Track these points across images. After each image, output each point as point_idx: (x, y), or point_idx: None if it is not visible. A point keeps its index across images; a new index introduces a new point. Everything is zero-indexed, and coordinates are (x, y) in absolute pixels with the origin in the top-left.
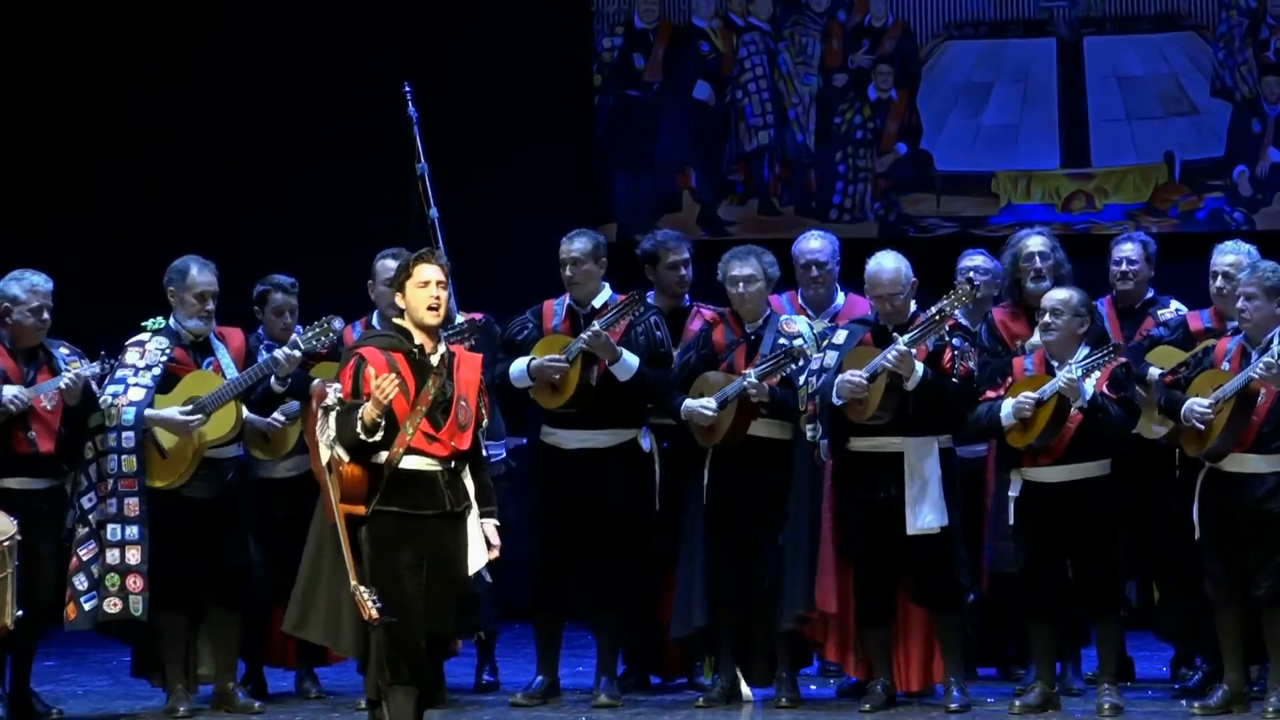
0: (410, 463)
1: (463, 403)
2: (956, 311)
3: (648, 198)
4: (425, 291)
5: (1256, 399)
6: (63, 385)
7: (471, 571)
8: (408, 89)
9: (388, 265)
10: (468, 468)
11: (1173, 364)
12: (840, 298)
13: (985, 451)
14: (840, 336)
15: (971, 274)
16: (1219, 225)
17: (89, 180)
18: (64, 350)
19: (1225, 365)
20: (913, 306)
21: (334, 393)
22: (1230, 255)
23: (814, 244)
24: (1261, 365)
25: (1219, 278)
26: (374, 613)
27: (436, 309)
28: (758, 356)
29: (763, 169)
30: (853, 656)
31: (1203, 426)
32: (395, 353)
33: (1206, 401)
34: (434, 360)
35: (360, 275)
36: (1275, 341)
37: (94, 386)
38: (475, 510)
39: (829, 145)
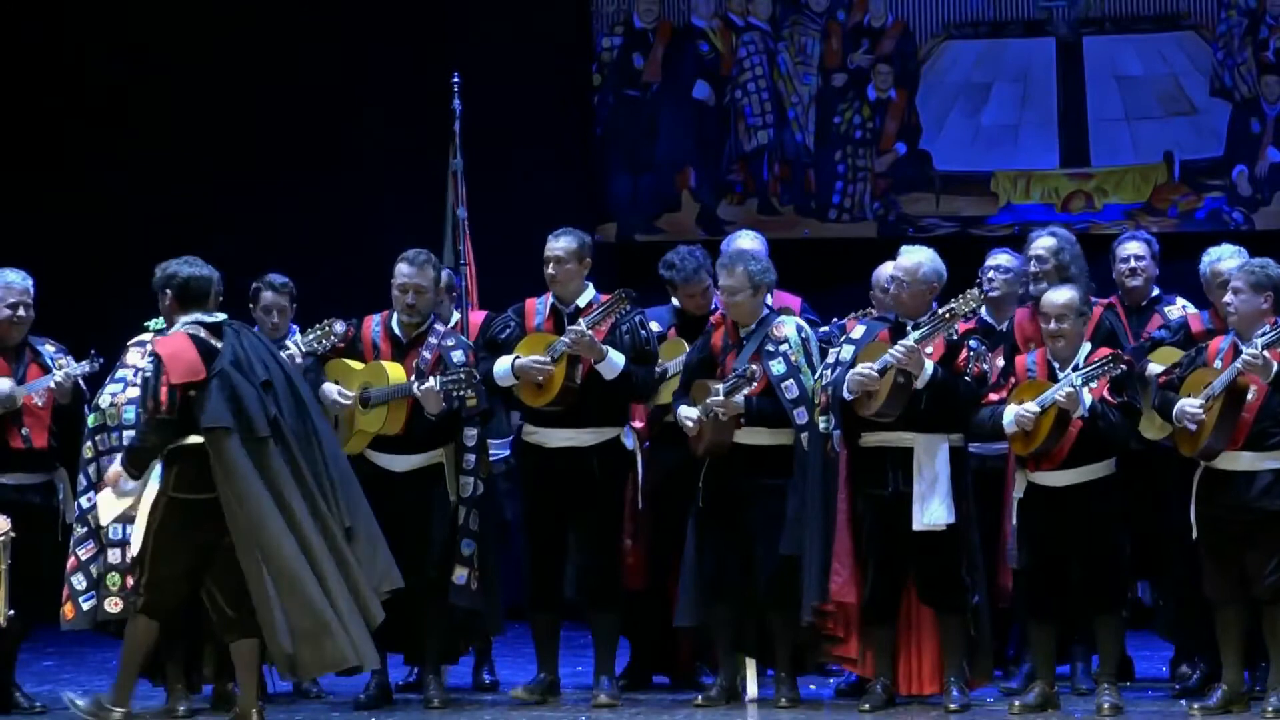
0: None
1: None
2: (981, 310)
3: (647, 197)
4: None
5: (1247, 395)
6: (53, 384)
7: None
8: (456, 79)
9: (399, 270)
10: None
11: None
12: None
13: (1007, 449)
14: (858, 331)
15: (992, 272)
16: (1218, 225)
17: (89, 180)
18: (50, 348)
19: (1218, 364)
20: (933, 307)
21: None
22: (1232, 260)
23: (749, 244)
24: (1247, 357)
25: (1227, 286)
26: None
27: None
28: (730, 371)
29: (762, 169)
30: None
31: (1194, 427)
32: None
33: (1197, 402)
34: None
35: (367, 276)
36: (1264, 335)
37: (82, 384)
38: None
39: (828, 145)
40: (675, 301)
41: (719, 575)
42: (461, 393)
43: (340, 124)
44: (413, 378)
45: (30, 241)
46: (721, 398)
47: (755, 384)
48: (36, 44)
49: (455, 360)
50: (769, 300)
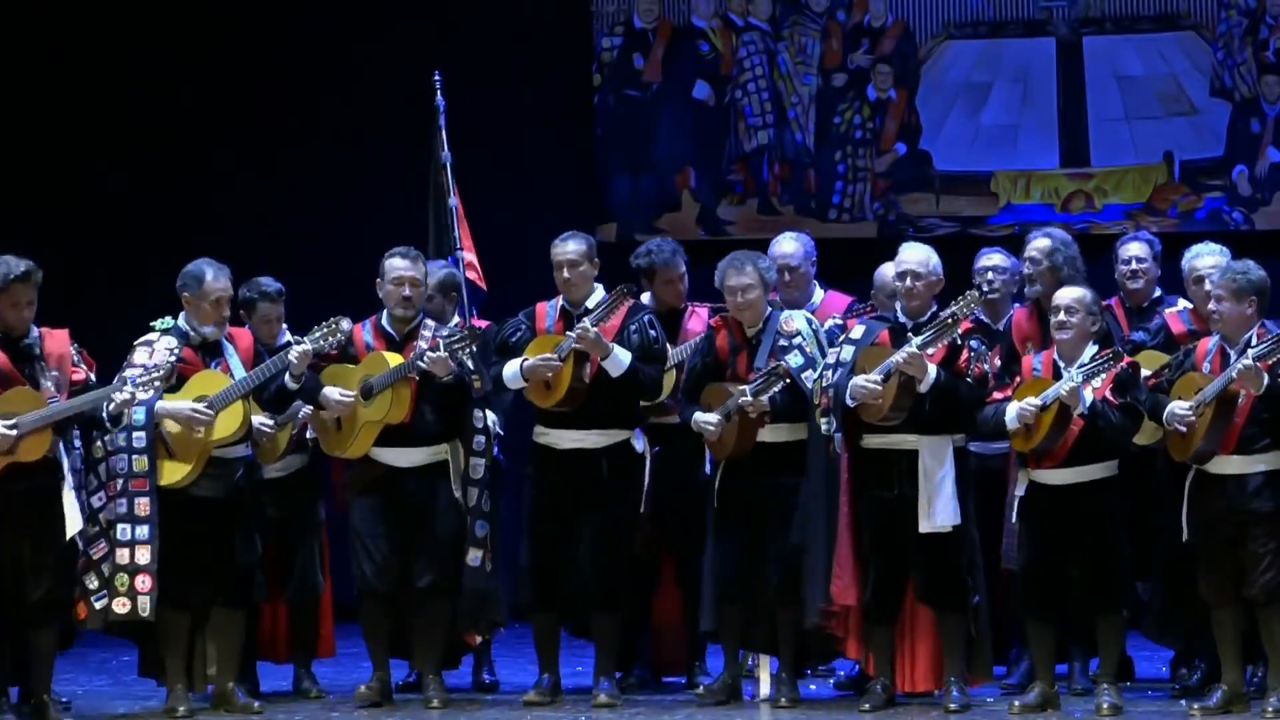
0: None
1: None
2: (976, 310)
3: (647, 198)
4: None
5: (1237, 401)
6: None
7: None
8: (438, 77)
9: (394, 265)
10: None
11: (1155, 367)
12: (818, 296)
13: (1008, 448)
14: (857, 332)
15: (990, 274)
16: (1218, 225)
17: (89, 178)
18: None
19: (1206, 366)
20: (933, 306)
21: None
22: (1210, 258)
23: (786, 247)
24: (1239, 368)
25: (1204, 282)
26: None
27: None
28: (753, 372)
29: (762, 169)
30: (870, 653)
31: (1185, 429)
32: None
33: (1187, 405)
34: None
35: (367, 275)
36: (1252, 343)
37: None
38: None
39: (828, 145)
40: (646, 298)
41: (732, 574)
42: (467, 350)
43: (339, 124)
44: (413, 358)
45: (31, 241)
46: (751, 397)
47: (786, 380)
48: (37, 44)
49: None
50: (817, 298)
